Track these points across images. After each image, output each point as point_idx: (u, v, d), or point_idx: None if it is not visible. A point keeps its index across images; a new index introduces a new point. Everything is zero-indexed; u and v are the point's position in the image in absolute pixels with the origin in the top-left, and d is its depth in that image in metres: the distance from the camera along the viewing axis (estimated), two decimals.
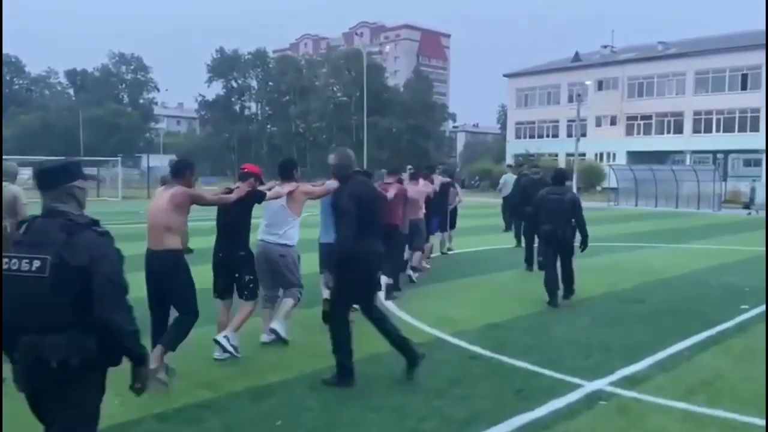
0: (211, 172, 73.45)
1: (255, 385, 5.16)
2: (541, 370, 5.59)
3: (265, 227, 6.19)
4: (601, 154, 54.44)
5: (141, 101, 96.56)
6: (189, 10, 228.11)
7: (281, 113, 77.55)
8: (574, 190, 45.55)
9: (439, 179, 11.35)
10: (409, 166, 11.42)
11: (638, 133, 53.80)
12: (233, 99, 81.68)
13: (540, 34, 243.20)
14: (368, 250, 5.15)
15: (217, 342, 5.68)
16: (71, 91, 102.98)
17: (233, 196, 5.63)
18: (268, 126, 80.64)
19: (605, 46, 59.85)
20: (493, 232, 17.45)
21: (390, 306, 7.98)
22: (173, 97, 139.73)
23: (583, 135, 53.15)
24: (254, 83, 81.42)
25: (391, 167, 9.18)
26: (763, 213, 23.65)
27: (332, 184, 5.92)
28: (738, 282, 9.89)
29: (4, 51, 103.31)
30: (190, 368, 5.42)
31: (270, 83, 79.46)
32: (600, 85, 55.81)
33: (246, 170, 6.05)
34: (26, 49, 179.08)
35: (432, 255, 11.80)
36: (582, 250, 8.57)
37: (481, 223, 19.51)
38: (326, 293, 6.66)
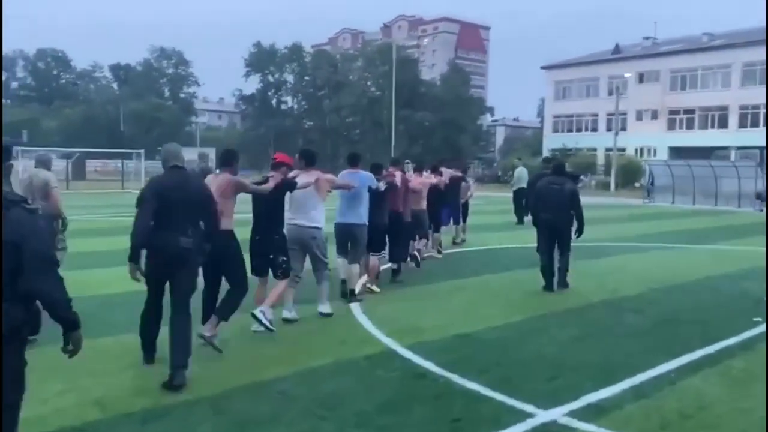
0: (249, 166, 73.78)
1: (153, 404, 4.52)
2: (492, 393, 4.82)
3: (295, 212, 6.77)
4: (642, 150, 52.59)
5: (182, 95, 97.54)
6: (230, 4, 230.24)
7: (316, 108, 77.27)
8: (612, 186, 44.61)
9: (448, 173, 12.11)
10: (407, 161, 12.42)
11: (680, 128, 51.76)
12: (270, 93, 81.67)
13: (581, 27, 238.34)
14: (162, 243, 4.96)
15: (254, 316, 6.08)
16: (115, 86, 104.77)
17: (271, 185, 6.16)
18: (304, 120, 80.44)
19: (647, 38, 57.74)
20: (510, 229, 16.57)
21: (356, 310, 7.32)
22: (214, 92, 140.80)
23: (623, 129, 51.48)
24: (290, 78, 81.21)
25: (392, 160, 10.14)
26: None
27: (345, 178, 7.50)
28: (760, 290, 8.84)
29: (50, 45, 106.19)
30: (80, 384, 4.83)
31: (306, 78, 79.15)
32: (641, 78, 53.85)
33: (278, 160, 6.56)
34: (73, 44, 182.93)
35: (443, 248, 12.23)
36: (577, 237, 8.74)
37: (498, 220, 18.63)
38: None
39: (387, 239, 8.70)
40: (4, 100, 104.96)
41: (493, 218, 18.93)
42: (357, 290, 7.94)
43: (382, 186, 8.06)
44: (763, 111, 47.15)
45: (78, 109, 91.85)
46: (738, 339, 6.40)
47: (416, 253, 10.17)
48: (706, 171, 29.50)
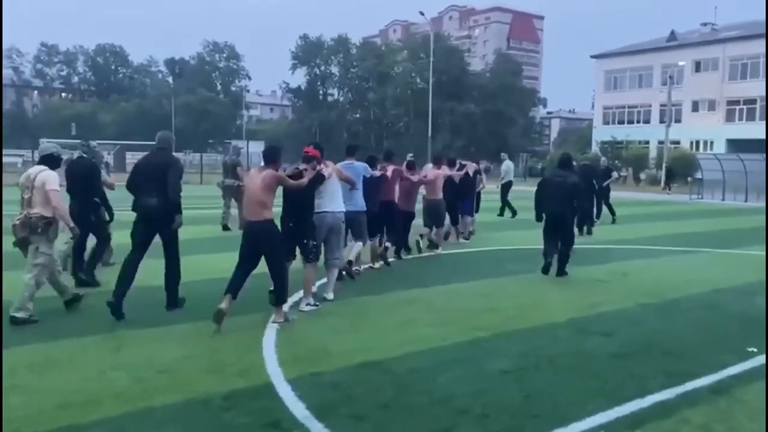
0: (295, 159, 73.62)
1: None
2: None
3: (325, 201, 7.29)
4: (697, 142, 49.73)
5: (233, 89, 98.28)
6: None
7: (361, 100, 76.51)
8: (662, 181, 42.10)
9: (472, 166, 12.89)
10: (410, 155, 12.94)
11: (740, 119, 48.60)
12: (316, 86, 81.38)
13: (636, 15, 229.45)
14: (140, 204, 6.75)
15: (302, 311, 6.93)
16: (170, 79, 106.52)
17: (305, 181, 6.68)
18: (349, 113, 79.79)
19: (705, 24, 54.48)
20: (525, 227, 15.22)
21: (274, 327, 6.31)
22: (266, 86, 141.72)
23: (678, 121, 48.78)
24: (336, 70, 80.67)
25: (386, 156, 10.32)
26: None
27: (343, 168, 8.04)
28: None
29: (111, 41, 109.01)
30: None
31: (352, 70, 78.43)
32: (698, 67, 50.88)
33: (309, 153, 7.04)
34: (130, 39, 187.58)
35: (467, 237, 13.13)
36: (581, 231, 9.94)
37: (520, 217, 17.31)
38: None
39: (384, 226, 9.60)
40: (65, 95, 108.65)
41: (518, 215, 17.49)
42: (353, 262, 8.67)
43: (376, 173, 8.99)
44: None
45: (132, 103, 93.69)
46: (714, 378, 5.09)
47: (418, 238, 11.07)
48: (760, 166, 27.18)
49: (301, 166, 6.95)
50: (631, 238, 14.01)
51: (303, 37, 79.65)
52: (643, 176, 45.48)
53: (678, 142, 49.33)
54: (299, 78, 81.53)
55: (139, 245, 6.75)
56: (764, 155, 28.03)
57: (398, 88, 69.23)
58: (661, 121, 47.42)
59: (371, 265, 9.51)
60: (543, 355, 5.61)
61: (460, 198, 12.28)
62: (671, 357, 5.63)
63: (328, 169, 7.30)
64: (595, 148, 54.60)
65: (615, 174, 18.38)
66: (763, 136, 44.56)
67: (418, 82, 68.45)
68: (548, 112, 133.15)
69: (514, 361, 5.45)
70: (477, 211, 14.01)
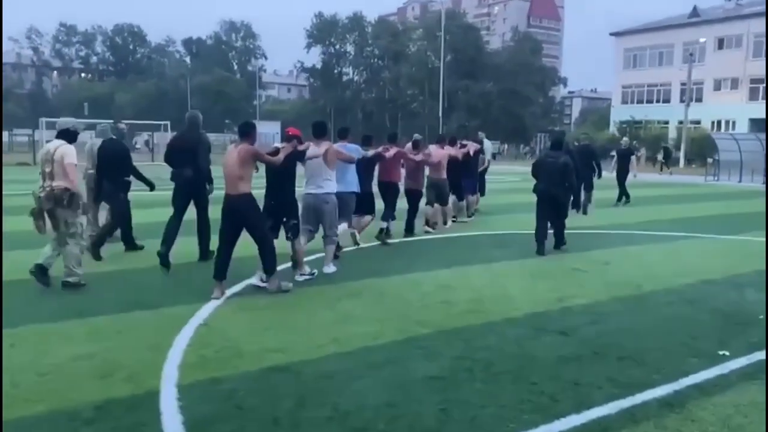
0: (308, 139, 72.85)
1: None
2: None
3: (309, 182, 7.63)
4: (719, 122, 48.17)
5: (250, 68, 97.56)
6: None
7: (376, 79, 75.49)
8: (681, 162, 40.82)
9: (473, 145, 13.07)
10: (417, 134, 11.89)
11: (764, 98, 46.87)
12: (332, 65, 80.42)
13: None
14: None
15: (255, 286, 7.03)
16: (188, 59, 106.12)
17: (281, 157, 6.77)
18: (364, 92, 78.85)
19: None
20: (519, 210, 14.52)
21: (201, 316, 5.75)
22: (283, 65, 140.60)
23: (699, 100, 47.33)
24: (351, 49, 79.62)
25: (390, 137, 10.69)
26: None
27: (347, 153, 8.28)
28: (759, 303, 6.69)
29: (125, 21, 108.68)
30: None
31: (367, 49, 77.34)
32: (720, 44, 49.13)
33: (290, 133, 7.22)
34: (148, 18, 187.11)
35: (470, 216, 13.33)
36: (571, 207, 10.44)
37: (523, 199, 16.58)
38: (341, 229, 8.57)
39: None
40: (84, 75, 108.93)
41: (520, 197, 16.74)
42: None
43: (369, 153, 9.33)
44: None
45: (149, 83, 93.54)
46: (669, 389, 4.39)
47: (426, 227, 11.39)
48: None
49: (281, 145, 7.18)
50: (629, 222, 13.23)
51: (318, 15, 78.66)
52: (660, 157, 44.08)
53: (699, 122, 47.85)
54: (314, 57, 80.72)
55: (178, 209, 8.09)
56: None
57: (413, 67, 68.00)
58: (682, 101, 45.95)
59: (356, 239, 9.68)
60: (481, 358, 4.96)
61: (464, 177, 12.58)
62: (627, 362, 4.95)
63: (316, 149, 7.48)
64: (612, 128, 53.29)
65: (634, 158, 17.72)
66: None
67: (433, 61, 67.21)
68: (569, 92, 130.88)
69: (446, 365, 4.81)
70: (483, 191, 14.33)
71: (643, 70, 54.08)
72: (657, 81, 52.56)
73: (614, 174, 17.27)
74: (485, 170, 14.46)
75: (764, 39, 46.86)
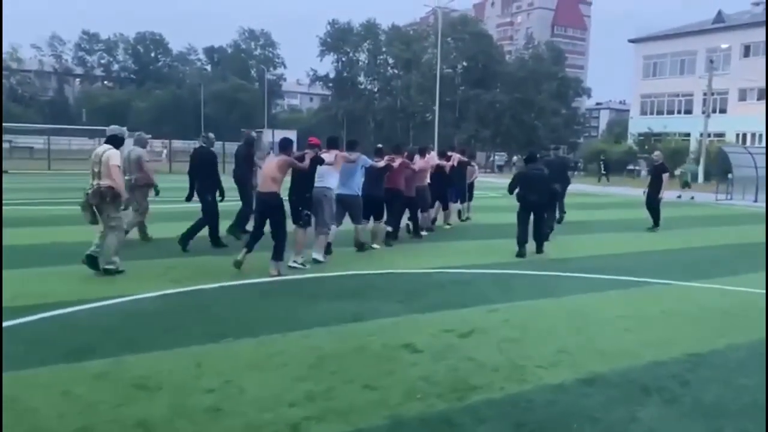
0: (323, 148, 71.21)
1: None
2: None
3: (318, 179, 8.97)
4: (744, 135, 45.20)
5: (270, 77, 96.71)
6: None
7: (388, 88, 73.66)
8: (700, 177, 38.04)
9: (456, 156, 14.11)
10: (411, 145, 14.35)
11: None
12: (345, 73, 78.89)
13: None
14: None
15: (291, 267, 8.71)
16: (209, 68, 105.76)
17: (308, 163, 8.52)
18: (376, 101, 77.09)
19: (756, 4, 49.51)
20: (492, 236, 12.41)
21: None
22: (302, 73, 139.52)
23: (723, 111, 44.57)
24: (364, 57, 78.00)
25: (394, 148, 11.51)
26: None
27: (353, 155, 9.94)
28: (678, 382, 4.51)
29: (151, 29, 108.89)
30: None
31: (380, 57, 75.64)
32: (747, 51, 46.21)
33: (312, 142, 9.00)
34: (169, 27, 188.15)
35: (451, 223, 14.18)
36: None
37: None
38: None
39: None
40: (106, 82, 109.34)
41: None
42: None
43: (381, 163, 10.59)
44: None
45: (166, 91, 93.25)
46: None
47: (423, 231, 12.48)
48: None
49: (306, 152, 8.69)
50: (578, 256, 10.80)
51: (332, 22, 77.25)
52: (678, 172, 41.32)
53: (722, 135, 44.97)
54: (328, 65, 79.33)
55: (247, 203, 10.84)
56: None
57: (423, 75, 65.99)
58: (705, 111, 43.22)
59: (374, 245, 10.76)
60: None
61: (449, 185, 13.69)
62: None
63: (329, 156, 9.12)
64: (629, 140, 50.61)
65: (666, 175, 14.93)
66: None
67: (444, 68, 65.09)
68: (597, 103, 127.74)
69: None
70: (470, 199, 15.50)
71: (663, 78, 51.26)
72: (678, 90, 49.72)
73: (644, 195, 15.11)
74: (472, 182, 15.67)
75: None
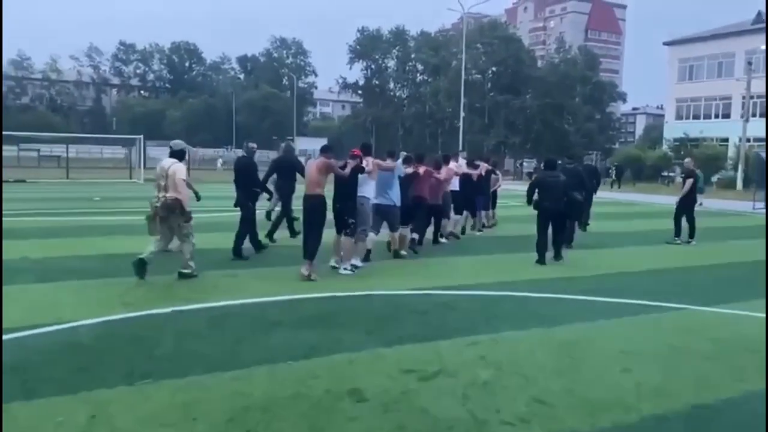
0: (344, 157, 70.44)
1: None
2: None
3: (359, 189, 9.27)
4: None
5: (302, 85, 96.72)
6: None
7: (416, 94, 72.73)
8: (739, 184, 36.29)
9: (484, 166, 14.42)
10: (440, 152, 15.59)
11: None
12: (374, 81, 78.29)
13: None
14: None
15: (333, 267, 9.29)
16: (242, 77, 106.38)
17: (348, 171, 8.76)
18: (404, 107, 76.23)
19: None
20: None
21: None
22: (330, 81, 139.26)
23: (763, 115, 42.44)
24: (393, 63, 77.26)
25: (417, 157, 11.64)
26: None
27: (391, 164, 10.31)
28: None
29: (183, 39, 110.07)
30: None
31: (409, 63, 74.80)
32: None
33: (354, 153, 9.17)
34: (203, 36, 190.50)
35: (482, 229, 14.80)
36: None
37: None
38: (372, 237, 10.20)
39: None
40: (142, 92, 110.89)
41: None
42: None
43: (409, 170, 10.84)
44: None
45: (199, 100, 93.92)
46: None
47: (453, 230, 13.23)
48: None
49: (348, 161, 8.92)
50: (586, 275, 9.79)
51: (361, 30, 76.80)
52: (715, 179, 39.57)
53: (762, 140, 42.87)
54: (357, 73, 78.84)
55: (285, 204, 12.05)
56: None
57: (451, 80, 64.88)
58: (743, 115, 41.33)
59: (401, 252, 10.81)
60: None
61: (477, 194, 14.00)
62: None
63: (368, 163, 9.27)
64: (664, 146, 48.79)
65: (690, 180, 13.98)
66: None
67: (474, 74, 63.79)
68: (633, 108, 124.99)
69: None
70: (494, 207, 16.05)
71: (699, 82, 49.31)
72: (715, 94, 47.73)
73: (675, 204, 14.09)
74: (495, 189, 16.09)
75: None
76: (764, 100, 43.23)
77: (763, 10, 47.86)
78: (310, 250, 8.56)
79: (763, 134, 42.67)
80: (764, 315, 7.22)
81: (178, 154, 8.53)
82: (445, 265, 10.42)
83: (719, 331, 6.72)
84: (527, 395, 4.75)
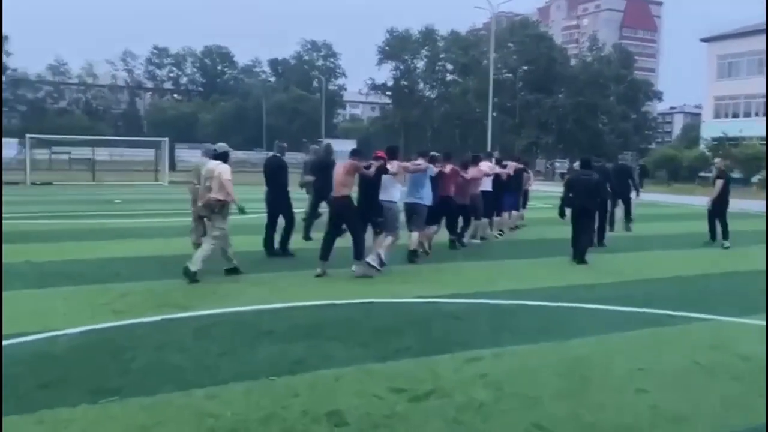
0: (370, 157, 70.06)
1: None
2: None
3: (382, 192, 9.35)
4: None
5: (331, 87, 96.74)
6: None
7: (445, 94, 71.97)
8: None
9: (513, 165, 14.24)
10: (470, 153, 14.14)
11: None
12: (403, 81, 77.76)
13: None
14: None
15: (367, 263, 9.00)
16: (273, 80, 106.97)
17: (373, 171, 8.98)
18: (433, 108, 75.52)
19: None
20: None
21: None
22: (360, 82, 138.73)
23: None
24: (422, 63, 76.61)
25: (445, 156, 11.60)
26: None
27: (421, 163, 10.37)
28: None
29: (214, 43, 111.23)
30: None
31: (438, 63, 74.08)
32: None
33: (378, 155, 9.39)
34: (237, 40, 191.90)
35: (504, 231, 14.14)
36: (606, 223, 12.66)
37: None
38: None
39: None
40: (175, 96, 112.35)
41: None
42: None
43: (434, 170, 10.65)
44: None
45: (231, 103, 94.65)
46: None
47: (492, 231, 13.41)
48: None
49: (372, 162, 9.11)
50: (607, 281, 9.21)
51: (390, 30, 76.38)
52: (755, 179, 38.12)
53: None
54: (386, 74, 78.39)
55: (313, 205, 12.18)
56: None
57: (481, 79, 64.05)
58: None
59: (426, 249, 10.98)
60: None
61: (505, 192, 13.77)
62: None
63: (392, 167, 9.35)
64: (701, 146, 47.35)
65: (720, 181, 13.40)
66: None
67: (504, 72, 62.70)
68: (670, 107, 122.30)
69: None
70: (525, 207, 16.00)
71: (739, 79, 47.69)
72: (755, 92, 46.03)
73: (708, 207, 13.46)
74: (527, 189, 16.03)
75: None
76: None
77: None
78: (357, 251, 8.86)
79: None
80: None
81: (222, 156, 8.73)
82: (458, 270, 9.91)
83: (751, 347, 6.09)
84: (527, 421, 4.27)
